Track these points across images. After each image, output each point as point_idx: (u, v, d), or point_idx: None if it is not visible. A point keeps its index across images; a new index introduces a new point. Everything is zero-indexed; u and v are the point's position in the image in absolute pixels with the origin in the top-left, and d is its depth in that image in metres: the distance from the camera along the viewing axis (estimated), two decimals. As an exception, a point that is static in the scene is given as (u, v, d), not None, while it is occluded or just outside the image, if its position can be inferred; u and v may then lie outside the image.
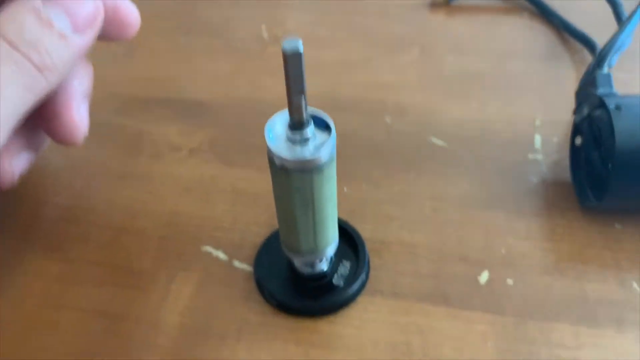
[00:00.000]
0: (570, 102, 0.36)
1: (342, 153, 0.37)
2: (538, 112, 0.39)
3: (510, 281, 0.30)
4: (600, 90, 0.31)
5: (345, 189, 0.35)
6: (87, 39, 0.26)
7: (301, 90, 0.22)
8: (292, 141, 0.23)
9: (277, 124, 0.24)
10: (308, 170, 0.24)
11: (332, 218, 0.27)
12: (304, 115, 0.23)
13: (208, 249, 0.32)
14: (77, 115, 0.30)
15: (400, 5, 0.49)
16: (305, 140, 0.23)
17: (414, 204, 0.34)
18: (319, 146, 0.23)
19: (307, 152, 0.23)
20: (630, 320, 0.29)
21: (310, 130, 0.23)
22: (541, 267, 0.31)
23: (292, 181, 0.24)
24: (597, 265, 0.31)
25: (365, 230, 0.32)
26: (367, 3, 0.49)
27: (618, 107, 0.29)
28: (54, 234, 0.34)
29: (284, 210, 0.26)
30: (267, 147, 0.24)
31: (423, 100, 0.40)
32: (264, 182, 0.35)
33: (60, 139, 0.30)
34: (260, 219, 0.34)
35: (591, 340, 0.28)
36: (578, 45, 0.43)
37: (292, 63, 0.21)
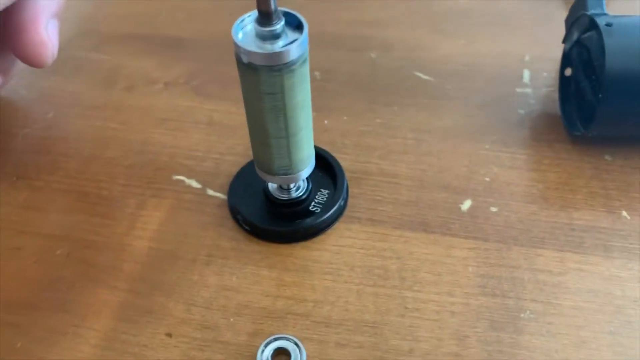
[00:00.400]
0: (560, 40, 0.34)
1: (325, 87, 0.36)
2: (527, 48, 0.37)
3: (494, 209, 0.29)
4: (591, 11, 0.30)
5: (326, 121, 0.34)
6: None
7: None
8: (261, 37, 0.22)
9: (247, 23, 0.23)
10: (277, 68, 0.22)
11: (306, 132, 0.26)
12: (272, 5, 0.21)
13: (180, 177, 0.31)
14: (44, 32, 0.28)
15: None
16: (275, 36, 0.22)
17: (396, 135, 0.33)
18: (290, 43, 0.22)
19: (276, 47, 0.22)
20: (618, 247, 0.27)
21: (280, 25, 0.22)
22: (527, 196, 0.30)
23: (261, 83, 0.23)
24: (585, 195, 0.30)
25: (345, 160, 0.31)
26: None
27: (609, 24, 0.28)
28: (22, 163, 0.32)
29: (255, 121, 0.25)
30: (234, 44, 0.22)
31: (410, 37, 0.39)
32: (241, 115, 0.33)
33: (28, 57, 0.29)
34: (236, 150, 0.32)
35: (577, 265, 0.27)
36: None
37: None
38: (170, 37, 0.40)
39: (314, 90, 0.35)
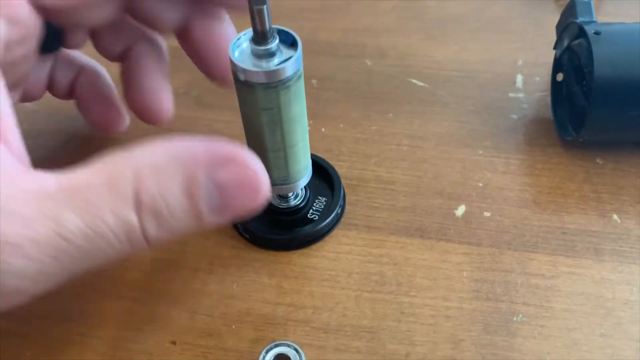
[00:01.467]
0: (553, 45, 0.35)
1: (321, 95, 0.37)
2: (520, 53, 0.38)
3: (487, 214, 0.30)
4: (580, 19, 0.30)
5: (323, 129, 0.34)
6: (221, 220, 0.20)
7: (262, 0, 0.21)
8: (256, 55, 0.23)
9: (243, 42, 0.23)
10: (273, 85, 0.23)
11: (303, 145, 0.26)
12: (267, 25, 0.22)
13: (181, 187, 0.32)
14: (168, 104, 0.30)
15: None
16: (270, 55, 0.23)
17: (391, 142, 0.33)
18: (285, 60, 0.23)
19: (271, 65, 0.23)
20: (609, 250, 0.28)
21: (275, 44, 0.23)
22: (519, 200, 0.30)
23: (257, 99, 0.23)
24: (576, 198, 0.30)
25: (341, 167, 0.32)
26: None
27: (597, 33, 0.29)
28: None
29: (253, 136, 0.26)
30: (231, 62, 0.23)
31: (404, 44, 0.39)
32: (241, 124, 0.34)
33: (150, 121, 0.31)
34: (235, 158, 0.33)
35: (569, 269, 0.28)
36: (563, -11, 0.43)
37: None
38: (171, 46, 0.40)
39: (311, 98, 0.36)
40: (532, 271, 0.28)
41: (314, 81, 0.37)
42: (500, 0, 0.43)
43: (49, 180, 0.18)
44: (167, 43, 0.41)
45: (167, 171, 0.19)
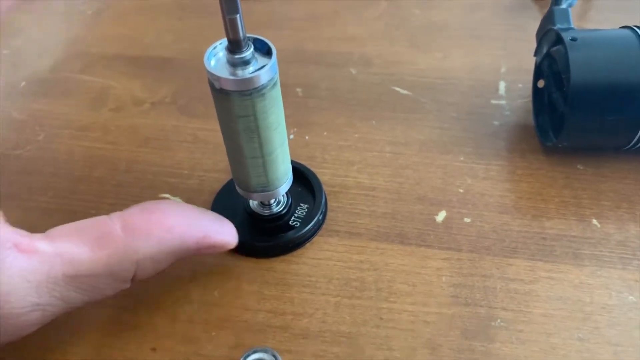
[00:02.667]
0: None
1: (305, 103, 0.37)
2: (503, 60, 0.38)
3: (467, 219, 0.30)
4: (558, 26, 0.31)
5: (307, 137, 0.35)
6: None
7: (235, 7, 0.22)
8: (231, 64, 0.23)
9: (219, 51, 0.24)
10: (248, 93, 0.23)
11: (282, 151, 0.27)
12: (240, 34, 0.22)
13: (165, 195, 0.32)
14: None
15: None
16: (244, 63, 0.23)
17: (374, 149, 0.34)
18: (259, 68, 0.23)
19: (246, 73, 0.23)
20: (588, 255, 0.28)
21: (249, 52, 0.23)
22: (500, 206, 0.31)
23: (233, 107, 0.24)
24: (556, 204, 0.31)
25: (324, 174, 0.32)
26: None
27: (574, 39, 0.29)
28: (15, 185, 0.33)
29: (231, 143, 0.26)
30: (207, 71, 0.23)
31: (388, 52, 0.40)
32: (225, 132, 0.35)
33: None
34: (219, 166, 0.33)
35: (547, 274, 0.28)
36: (547, -4, 0.43)
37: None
38: (157, 57, 0.41)
39: (295, 106, 0.36)
40: (511, 276, 0.28)
41: (298, 89, 0.37)
42: (484, 7, 0.43)
43: (56, 267, 0.22)
44: (150, 53, 0.42)
45: (163, 261, 0.25)
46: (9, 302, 0.21)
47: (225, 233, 0.27)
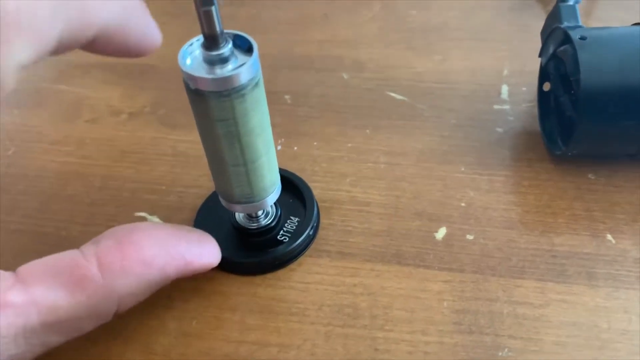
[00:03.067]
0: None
1: (294, 112, 0.34)
2: (506, 62, 0.36)
3: (470, 236, 0.28)
4: (565, 24, 0.28)
5: (295, 147, 0.32)
6: None
7: (210, 0, 0.19)
8: (208, 62, 0.21)
9: (196, 49, 0.21)
10: (226, 94, 0.21)
11: (267, 159, 0.24)
12: (217, 28, 0.20)
13: (142, 213, 0.30)
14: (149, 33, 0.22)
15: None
16: (222, 60, 0.21)
17: (368, 160, 0.31)
18: (239, 66, 0.21)
19: (224, 72, 0.20)
20: (603, 274, 0.26)
21: (228, 49, 0.21)
22: (505, 221, 0.28)
23: (211, 109, 0.21)
24: (567, 218, 0.28)
25: (315, 188, 0.30)
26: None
27: (583, 38, 0.26)
28: (-20, 204, 0.31)
29: (211, 150, 0.23)
30: (181, 70, 0.21)
31: (383, 55, 0.37)
32: (208, 144, 0.32)
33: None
34: (200, 181, 0.31)
35: (559, 296, 0.25)
36: (550, -6, 0.41)
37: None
38: (137, 64, 0.39)
39: (284, 114, 0.34)
40: (519, 299, 0.25)
41: (287, 97, 0.35)
42: (485, 7, 0.41)
43: (32, 317, 0.20)
44: (129, 59, 0.39)
45: (144, 292, 0.23)
46: None
47: (206, 255, 0.25)
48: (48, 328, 0.20)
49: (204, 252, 0.25)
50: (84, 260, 0.22)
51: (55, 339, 0.21)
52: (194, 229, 0.26)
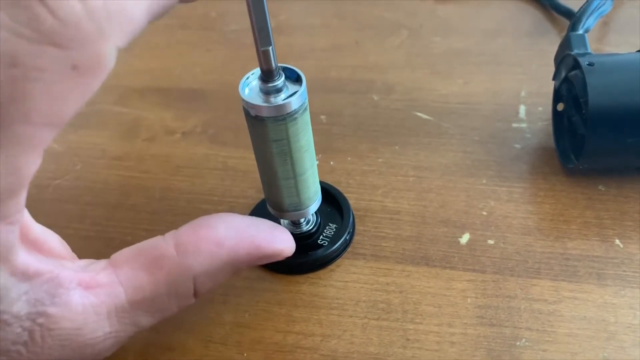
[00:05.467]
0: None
1: (330, 130, 0.38)
2: (523, 84, 0.39)
3: (491, 241, 0.31)
4: (575, 51, 0.31)
5: (331, 162, 0.36)
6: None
7: (268, 40, 0.23)
8: (265, 92, 0.24)
9: (252, 80, 0.25)
10: (281, 118, 0.24)
11: (312, 172, 0.28)
12: (273, 64, 0.24)
13: (197, 221, 0.33)
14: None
15: (391, -7, 0.50)
16: (277, 91, 0.24)
17: (398, 173, 0.35)
18: (291, 95, 0.24)
19: (279, 100, 0.24)
20: (611, 275, 0.29)
21: (281, 81, 0.24)
22: (523, 228, 0.31)
23: (268, 132, 0.25)
24: (579, 225, 0.31)
25: (350, 199, 0.33)
26: (359, -7, 0.51)
27: (591, 64, 0.30)
28: (54, 213, 0.35)
29: (265, 166, 0.27)
30: (242, 100, 0.25)
31: (410, 79, 0.41)
32: (252, 160, 0.36)
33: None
34: (248, 193, 0.35)
35: (571, 294, 0.28)
36: (564, 21, 0.44)
37: (256, 7, 0.22)
38: (187, 89, 0.43)
39: (320, 133, 0.38)
40: (535, 296, 0.28)
41: (322, 117, 0.39)
42: (504, 33, 0.44)
43: (120, 296, 0.23)
44: (180, 84, 0.43)
45: (219, 274, 0.25)
46: (82, 335, 0.22)
47: (278, 241, 0.26)
48: (136, 306, 0.23)
49: (276, 239, 0.26)
50: (163, 242, 0.24)
51: (144, 319, 0.24)
52: (270, 221, 0.27)
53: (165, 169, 0.37)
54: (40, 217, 0.35)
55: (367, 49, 0.44)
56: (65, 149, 0.39)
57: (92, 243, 0.33)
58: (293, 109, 0.24)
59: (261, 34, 0.23)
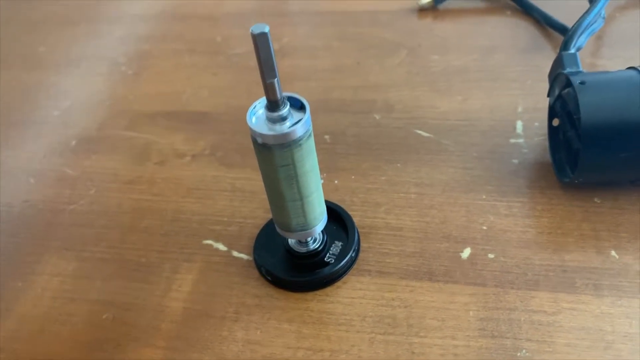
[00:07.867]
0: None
1: (334, 149, 0.39)
2: (520, 100, 0.41)
3: (491, 255, 0.32)
4: (567, 70, 0.33)
5: (335, 181, 0.37)
6: None
7: (273, 73, 0.24)
8: (271, 120, 0.26)
9: (258, 109, 0.27)
10: (287, 145, 0.26)
11: (318, 194, 0.29)
12: (278, 95, 0.25)
13: (209, 241, 0.35)
14: None
15: (390, 12, 0.52)
16: (282, 119, 0.26)
17: (400, 190, 0.36)
18: (295, 123, 0.26)
19: (284, 128, 0.26)
20: (608, 285, 0.30)
21: (286, 109, 0.26)
22: (521, 241, 0.32)
23: (274, 158, 0.26)
24: (575, 237, 0.32)
25: (354, 217, 0.34)
26: (359, 13, 0.52)
27: (582, 83, 0.31)
28: (71, 237, 0.37)
29: (273, 189, 0.28)
30: (250, 129, 0.26)
31: (410, 97, 0.42)
32: (260, 181, 0.37)
33: None
34: (256, 213, 0.36)
35: (570, 305, 0.29)
36: (559, 36, 0.45)
37: (261, 43, 0.23)
38: (195, 112, 0.44)
39: (324, 152, 0.39)
40: (535, 308, 0.29)
41: (326, 137, 0.40)
42: (501, 50, 0.45)
43: None
44: (188, 108, 0.45)
45: None
46: None
47: None
48: None
49: None
50: None
51: None
52: None
53: (176, 192, 0.38)
54: (57, 241, 0.36)
55: (368, 69, 0.46)
56: (79, 174, 0.41)
57: (107, 265, 0.34)
58: (298, 136, 0.26)
59: (266, 68, 0.24)
